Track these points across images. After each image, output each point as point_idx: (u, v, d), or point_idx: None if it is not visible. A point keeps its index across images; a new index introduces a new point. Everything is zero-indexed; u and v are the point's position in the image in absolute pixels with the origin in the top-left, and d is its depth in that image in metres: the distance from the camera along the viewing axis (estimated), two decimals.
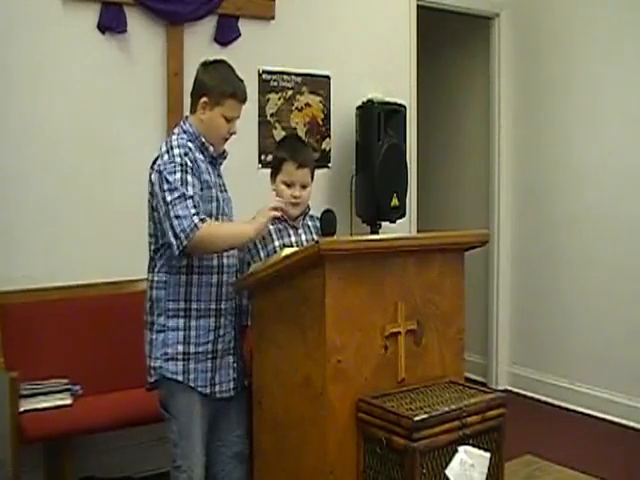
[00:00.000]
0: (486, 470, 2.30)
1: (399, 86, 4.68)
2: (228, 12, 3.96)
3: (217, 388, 2.67)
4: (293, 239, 2.85)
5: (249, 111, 3.47)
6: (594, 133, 4.68)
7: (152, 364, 2.64)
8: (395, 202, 4.36)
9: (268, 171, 3.01)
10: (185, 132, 2.67)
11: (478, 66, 5.46)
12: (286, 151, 2.89)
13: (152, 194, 2.60)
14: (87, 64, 3.60)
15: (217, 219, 2.63)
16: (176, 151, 2.56)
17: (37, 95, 3.49)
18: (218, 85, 2.63)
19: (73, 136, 3.57)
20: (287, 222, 2.87)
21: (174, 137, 2.65)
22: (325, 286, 2.24)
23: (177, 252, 2.47)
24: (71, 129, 3.57)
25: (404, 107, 4.48)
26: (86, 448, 3.43)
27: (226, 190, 2.78)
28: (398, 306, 2.41)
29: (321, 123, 4.41)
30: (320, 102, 4.39)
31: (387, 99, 4.44)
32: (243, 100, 2.69)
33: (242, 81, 2.70)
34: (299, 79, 4.29)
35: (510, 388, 5.19)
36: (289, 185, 2.84)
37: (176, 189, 2.48)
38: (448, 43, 5.69)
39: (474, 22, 5.32)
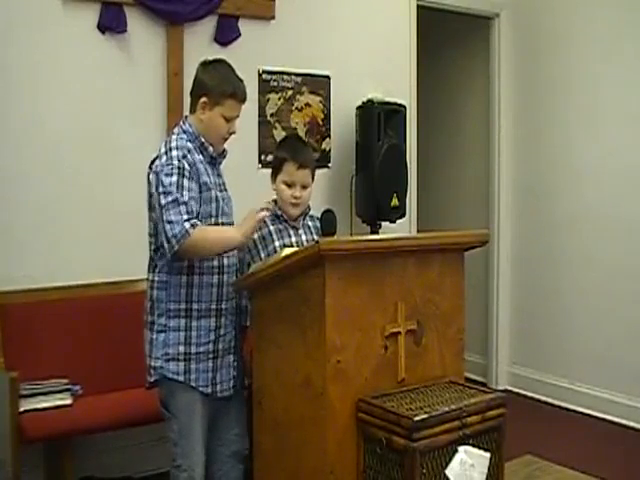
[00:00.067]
0: (486, 470, 2.30)
1: (399, 86, 4.68)
2: (228, 12, 3.96)
3: (218, 387, 2.67)
4: (293, 239, 2.85)
5: (249, 111, 3.47)
6: (594, 133, 4.68)
7: (152, 364, 2.65)
8: (395, 202, 4.36)
9: (268, 171, 3.01)
10: (185, 132, 2.67)
11: (478, 66, 5.46)
12: (287, 151, 2.89)
13: (150, 194, 2.60)
14: (87, 64, 3.60)
15: (217, 220, 2.64)
16: (174, 153, 2.56)
17: (37, 95, 3.49)
18: (218, 85, 2.62)
19: (73, 136, 3.57)
20: (287, 222, 2.88)
21: (173, 137, 2.65)
22: (325, 286, 2.24)
23: (169, 255, 2.50)
24: (71, 129, 3.57)
25: (404, 107, 4.47)
26: (86, 448, 3.43)
27: (226, 189, 2.78)
28: (398, 306, 2.41)
29: (321, 123, 4.41)
30: (320, 102, 4.39)
31: (387, 99, 4.44)
32: (243, 100, 2.69)
33: (242, 81, 2.70)
34: (299, 79, 4.29)
35: (510, 388, 5.19)
36: (290, 185, 2.84)
37: (170, 193, 2.49)
38: (448, 43, 5.69)
39: (474, 22, 5.32)
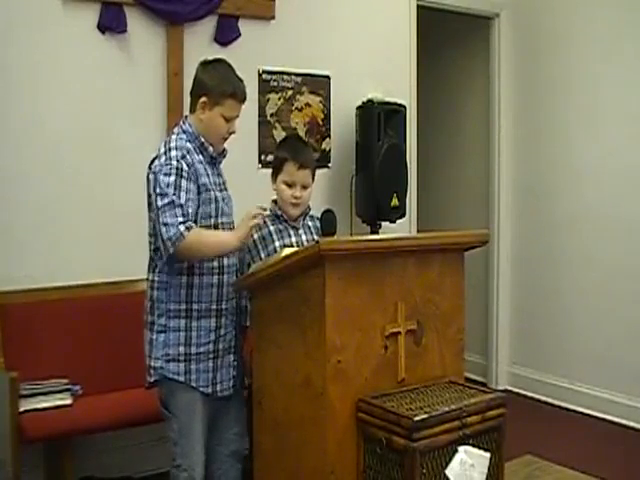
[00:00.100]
0: (486, 470, 2.30)
1: (399, 86, 4.68)
2: (228, 12, 3.95)
3: (218, 387, 2.67)
4: (293, 239, 2.85)
5: (249, 111, 3.48)
6: (594, 133, 4.67)
7: (152, 364, 2.65)
8: (395, 202, 4.36)
9: (268, 171, 3.01)
10: (185, 132, 2.67)
11: (478, 66, 5.46)
12: (288, 151, 2.89)
13: (149, 194, 2.61)
14: (87, 64, 3.60)
15: (217, 220, 2.64)
16: (173, 153, 2.56)
17: (37, 95, 3.49)
18: (218, 85, 2.62)
19: (73, 136, 3.57)
20: (287, 222, 2.88)
21: (173, 137, 2.65)
22: (325, 286, 2.24)
23: (165, 257, 2.52)
24: (71, 129, 3.57)
25: (404, 107, 4.47)
26: (86, 448, 3.43)
27: (226, 189, 2.78)
28: (398, 306, 2.41)
29: (321, 123, 4.41)
30: (320, 102, 4.39)
31: (387, 99, 4.44)
32: (242, 100, 2.69)
33: (242, 81, 2.70)
34: (299, 79, 4.29)
35: (510, 388, 5.18)
36: (290, 185, 2.84)
37: (166, 195, 2.49)
38: (448, 43, 5.69)
39: (474, 22, 5.32)
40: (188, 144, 2.63)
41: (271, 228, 2.86)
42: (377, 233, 4.35)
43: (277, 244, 2.82)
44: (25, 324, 3.36)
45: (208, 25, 3.93)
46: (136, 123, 3.72)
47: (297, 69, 4.27)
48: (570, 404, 4.78)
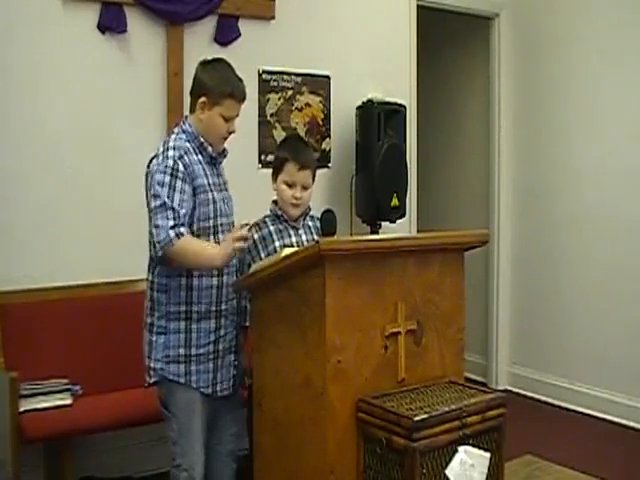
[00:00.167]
0: (486, 470, 2.30)
1: (399, 86, 4.68)
2: (228, 12, 3.96)
3: (218, 387, 2.68)
4: (294, 239, 2.85)
5: (249, 111, 3.48)
6: (594, 133, 4.68)
7: (152, 365, 2.65)
8: (395, 202, 4.36)
9: (268, 171, 3.01)
10: (184, 132, 2.67)
11: (478, 66, 5.46)
12: (288, 152, 2.88)
13: (146, 194, 2.62)
14: (87, 64, 3.60)
15: (216, 221, 2.64)
16: (170, 153, 2.57)
17: (37, 95, 3.49)
18: (217, 85, 2.62)
19: (73, 136, 3.57)
20: (287, 222, 2.88)
21: (172, 137, 2.66)
22: (325, 286, 2.23)
23: (155, 259, 2.54)
24: (71, 129, 3.57)
25: (404, 107, 4.47)
26: (86, 448, 3.43)
27: (227, 189, 2.78)
28: (398, 306, 2.41)
29: (321, 123, 4.41)
30: (320, 102, 4.39)
31: (387, 99, 4.44)
32: (242, 100, 2.69)
33: (241, 80, 2.69)
34: (299, 79, 4.29)
35: (510, 388, 5.18)
36: (290, 185, 2.83)
37: (159, 196, 2.50)
38: (448, 43, 5.69)
39: (474, 22, 5.32)
40: (187, 144, 2.63)
41: (271, 228, 2.86)
42: (377, 233, 4.35)
43: (277, 244, 2.81)
44: (25, 324, 3.36)
45: (208, 25, 3.93)
46: (136, 123, 3.72)
47: (297, 69, 4.27)
48: (570, 404, 4.78)
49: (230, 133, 2.70)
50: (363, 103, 4.39)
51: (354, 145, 4.41)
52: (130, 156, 3.59)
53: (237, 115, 2.69)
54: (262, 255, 2.80)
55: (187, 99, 2.79)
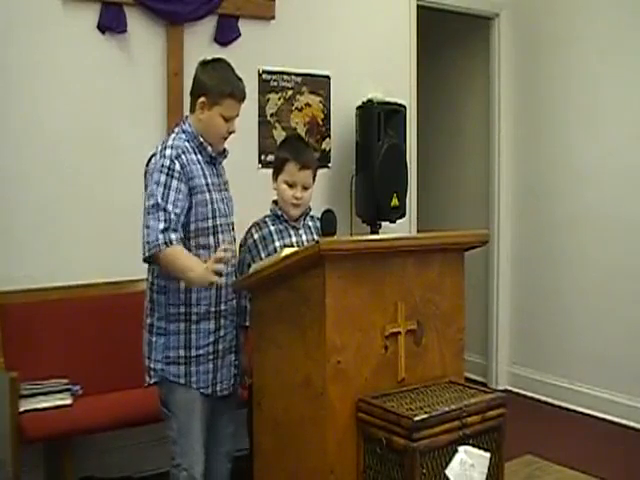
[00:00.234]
0: (486, 470, 2.30)
1: (399, 86, 4.68)
2: (228, 12, 3.95)
3: (218, 387, 2.68)
4: (294, 239, 2.85)
5: (249, 111, 3.48)
6: (594, 133, 4.68)
7: (152, 365, 2.65)
8: (395, 202, 4.36)
9: (268, 171, 3.01)
10: (184, 132, 2.67)
11: (478, 66, 5.46)
12: (289, 152, 2.88)
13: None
14: (87, 64, 3.60)
15: (214, 222, 2.63)
16: (167, 152, 2.57)
17: (37, 95, 3.49)
18: (216, 85, 2.62)
19: (73, 136, 3.57)
20: (288, 222, 2.88)
21: (171, 136, 2.67)
22: (325, 286, 2.23)
23: (142, 257, 2.54)
24: (71, 129, 3.57)
25: (404, 107, 4.47)
26: (86, 448, 3.43)
27: (227, 189, 2.78)
28: (398, 306, 2.41)
29: (321, 123, 4.41)
30: (320, 102, 4.39)
31: (387, 99, 4.44)
32: (242, 99, 2.69)
33: (241, 80, 2.69)
34: (299, 79, 4.29)
35: (510, 388, 5.18)
36: (291, 185, 2.84)
37: (153, 196, 2.51)
38: (448, 43, 5.69)
39: (474, 22, 5.32)
40: (186, 143, 2.63)
41: (271, 228, 2.86)
42: (377, 233, 4.35)
43: (277, 244, 2.82)
44: (25, 324, 3.36)
45: (208, 25, 3.93)
46: (136, 123, 3.72)
47: (297, 69, 4.27)
48: (570, 404, 4.78)
49: (230, 133, 2.70)
50: (363, 103, 4.39)
51: (354, 145, 4.41)
52: (130, 156, 3.58)
53: (237, 115, 2.69)
54: (262, 255, 2.80)
55: (187, 99, 2.79)
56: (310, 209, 2.94)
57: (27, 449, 3.07)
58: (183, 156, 2.59)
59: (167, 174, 2.53)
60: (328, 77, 4.40)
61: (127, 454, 3.64)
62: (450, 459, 2.23)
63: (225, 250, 2.43)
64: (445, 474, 2.21)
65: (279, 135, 4.14)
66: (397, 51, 4.72)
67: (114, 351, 3.44)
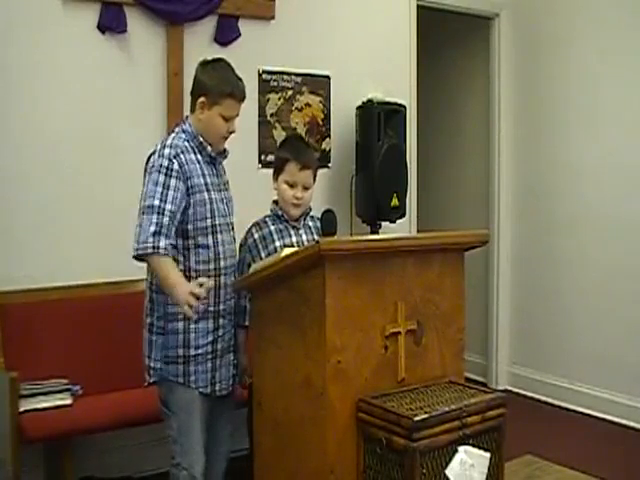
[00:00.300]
0: (486, 470, 2.30)
1: (399, 86, 4.68)
2: (228, 12, 3.95)
3: (217, 387, 2.68)
4: (294, 239, 2.85)
5: (249, 111, 3.48)
6: (594, 133, 4.67)
7: (152, 365, 2.65)
8: (395, 202, 4.36)
9: (268, 171, 3.02)
10: (184, 132, 2.68)
11: (478, 66, 5.46)
12: (290, 152, 2.88)
13: None
14: (87, 64, 3.60)
15: (213, 221, 2.64)
16: (166, 151, 2.58)
17: (37, 95, 3.49)
18: (216, 85, 2.63)
19: (73, 136, 3.57)
20: (288, 222, 2.88)
21: (171, 136, 2.67)
22: (325, 286, 2.23)
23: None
24: (71, 129, 3.57)
25: (404, 107, 4.47)
26: (86, 448, 3.43)
27: (227, 189, 2.79)
28: (398, 306, 2.41)
29: (321, 123, 4.41)
30: (320, 102, 4.39)
31: (387, 99, 4.44)
32: (241, 99, 2.69)
33: (241, 80, 2.70)
34: (299, 79, 4.29)
35: (510, 388, 5.18)
36: (291, 185, 2.84)
37: (149, 196, 2.52)
38: (448, 43, 5.69)
39: (474, 22, 5.32)
40: (186, 143, 2.64)
41: (272, 228, 2.86)
42: (377, 233, 4.35)
43: (277, 244, 2.82)
44: (25, 324, 3.36)
45: (208, 25, 3.93)
46: (136, 123, 3.72)
47: (297, 69, 4.27)
48: (570, 404, 4.78)
49: (230, 133, 2.70)
50: (363, 103, 4.39)
51: (354, 145, 4.41)
52: (130, 156, 3.58)
53: (237, 115, 2.70)
54: (262, 255, 2.80)
55: (187, 99, 2.79)
56: (310, 209, 2.94)
57: (27, 449, 3.07)
58: (182, 155, 2.59)
59: (165, 174, 2.53)
60: (328, 77, 4.40)
61: (127, 454, 3.64)
62: (450, 459, 2.23)
63: (201, 285, 2.42)
64: (445, 474, 2.21)
65: (279, 135, 4.14)
66: (397, 51, 4.72)
67: (114, 351, 3.44)
